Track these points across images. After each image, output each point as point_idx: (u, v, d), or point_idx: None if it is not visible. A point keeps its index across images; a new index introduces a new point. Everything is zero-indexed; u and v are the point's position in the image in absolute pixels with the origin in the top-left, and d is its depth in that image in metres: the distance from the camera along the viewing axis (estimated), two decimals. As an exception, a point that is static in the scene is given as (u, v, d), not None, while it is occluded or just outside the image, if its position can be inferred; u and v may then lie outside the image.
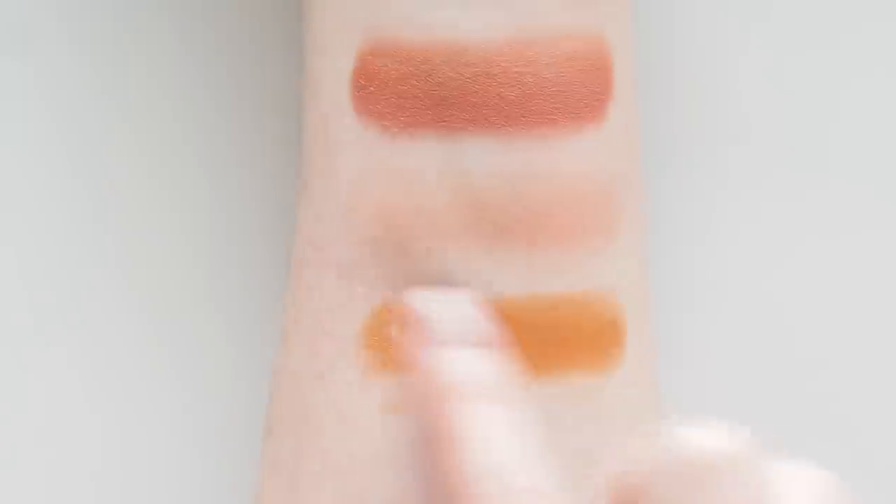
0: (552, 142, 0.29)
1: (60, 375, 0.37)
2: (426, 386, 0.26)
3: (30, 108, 0.37)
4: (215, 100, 0.37)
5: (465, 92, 0.29)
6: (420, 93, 0.29)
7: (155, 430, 0.37)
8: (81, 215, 0.37)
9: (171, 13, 0.37)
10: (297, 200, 0.31)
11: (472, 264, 0.29)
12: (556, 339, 0.29)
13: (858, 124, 0.37)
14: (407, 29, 0.29)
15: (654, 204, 0.33)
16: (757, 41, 0.37)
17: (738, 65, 0.37)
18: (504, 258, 0.29)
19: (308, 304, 0.30)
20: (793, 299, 0.37)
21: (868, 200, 0.37)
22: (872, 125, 0.37)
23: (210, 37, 0.37)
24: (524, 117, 0.29)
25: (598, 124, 0.30)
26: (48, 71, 0.37)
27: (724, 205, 0.37)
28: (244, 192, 0.37)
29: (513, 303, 0.29)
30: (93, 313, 0.37)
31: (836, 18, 0.37)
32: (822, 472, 0.23)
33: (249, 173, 0.37)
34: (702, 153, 0.37)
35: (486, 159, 0.29)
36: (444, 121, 0.29)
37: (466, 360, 0.26)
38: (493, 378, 0.26)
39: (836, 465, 0.37)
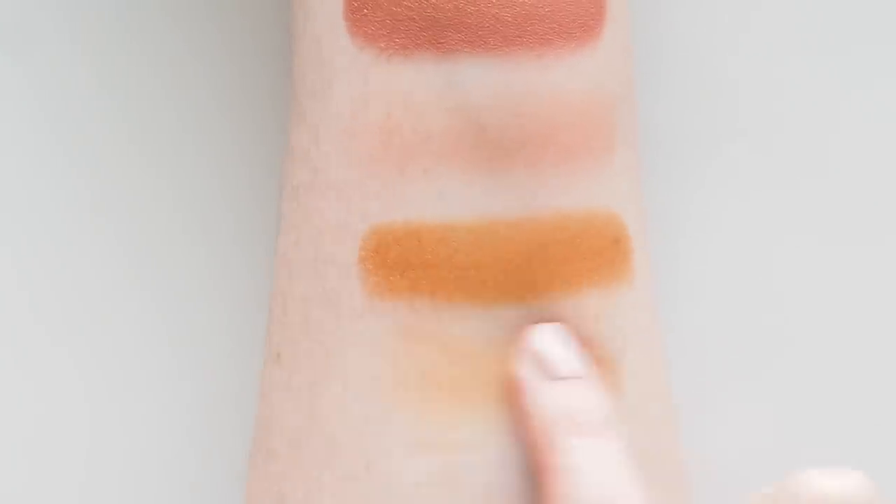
0: (549, 62, 0.29)
1: (65, 357, 0.37)
2: (543, 417, 0.29)
3: (29, 106, 0.36)
4: (216, 89, 0.37)
5: (461, 13, 0.29)
6: (415, 14, 0.29)
7: (153, 420, 0.37)
8: (75, 196, 0.37)
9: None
10: (290, 125, 0.31)
11: (472, 185, 0.29)
12: (561, 258, 0.29)
13: (855, 121, 0.37)
14: None
15: (652, 200, 0.33)
16: (754, 39, 0.37)
17: (737, 63, 0.37)
18: (505, 178, 0.29)
19: (308, 228, 0.30)
20: (790, 293, 0.37)
21: (864, 195, 0.37)
22: (869, 122, 0.37)
23: (213, 28, 0.36)
24: (521, 38, 0.29)
25: (594, 44, 0.30)
26: (47, 69, 0.36)
27: (724, 201, 0.37)
28: (244, 180, 0.37)
29: (514, 223, 0.29)
30: (89, 288, 0.37)
31: (833, 17, 0.37)
32: None
33: (250, 162, 0.37)
34: (700, 149, 0.37)
35: (485, 80, 0.29)
36: (441, 42, 0.29)
37: (578, 395, 0.29)
38: (597, 411, 0.29)
39: (833, 456, 0.37)
